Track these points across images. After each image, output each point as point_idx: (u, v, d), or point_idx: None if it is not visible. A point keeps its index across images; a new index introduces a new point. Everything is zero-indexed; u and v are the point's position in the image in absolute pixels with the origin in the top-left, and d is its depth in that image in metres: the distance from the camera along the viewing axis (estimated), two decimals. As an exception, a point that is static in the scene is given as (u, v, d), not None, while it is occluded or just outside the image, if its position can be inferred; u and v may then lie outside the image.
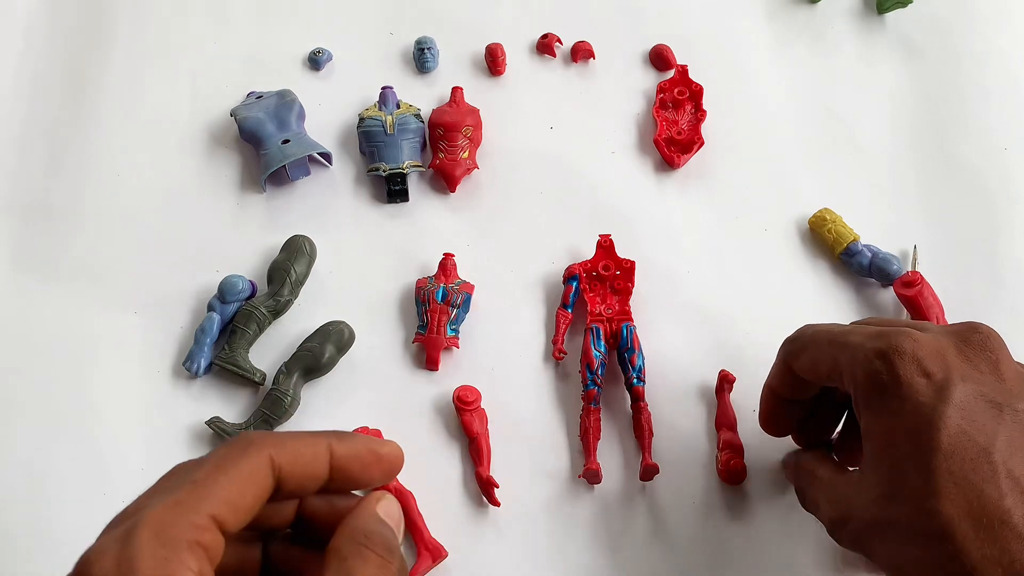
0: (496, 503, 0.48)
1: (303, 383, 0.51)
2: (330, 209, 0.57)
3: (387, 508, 0.32)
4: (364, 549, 0.29)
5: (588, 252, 0.53)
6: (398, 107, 0.58)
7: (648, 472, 0.48)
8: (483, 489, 0.48)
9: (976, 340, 0.37)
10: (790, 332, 0.53)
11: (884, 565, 0.36)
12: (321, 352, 0.51)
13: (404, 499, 0.48)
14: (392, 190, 0.56)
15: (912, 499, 0.34)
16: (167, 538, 0.27)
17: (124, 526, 0.29)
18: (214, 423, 0.49)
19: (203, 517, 0.28)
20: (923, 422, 0.34)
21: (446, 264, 0.53)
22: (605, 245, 0.53)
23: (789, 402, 0.44)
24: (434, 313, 0.52)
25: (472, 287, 0.53)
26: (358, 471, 0.31)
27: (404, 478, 0.49)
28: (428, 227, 0.56)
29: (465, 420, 0.50)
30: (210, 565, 0.27)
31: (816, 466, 0.42)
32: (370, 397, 0.51)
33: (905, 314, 0.52)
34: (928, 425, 0.34)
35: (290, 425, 0.50)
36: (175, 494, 0.28)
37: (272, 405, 0.49)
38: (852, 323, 0.42)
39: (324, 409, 0.51)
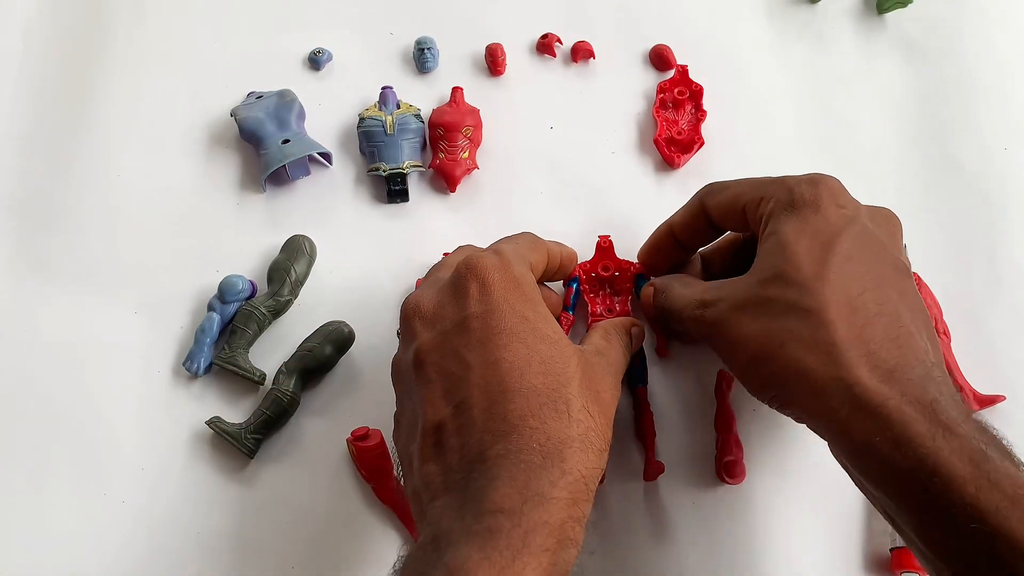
0: None
1: (303, 383, 0.51)
2: (330, 209, 0.57)
3: (637, 331, 0.47)
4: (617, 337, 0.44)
5: (588, 253, 0.53)
6: (398, 107, 0.58)
7: (653, 471, 0.48)
8: None
9: (885, 210, 0.44)
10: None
11: (741, 335, 0.40)
12: (321, 352, 0.51)
13: (404, 500, 0.48)
14: (392, 190, 0.56)
15: (801, 282, 0.38)
16: (520, 255, 0.42)
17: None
18: (214, 423, 0.50)
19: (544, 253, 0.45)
20: (830, 230, 0.40)
21: (602, 245, 0.53)
22: (604, 246, 0.53)
23: (679, 245, 0.49)
24: None
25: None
26: (567, 265, 0.50)
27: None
28: (428, 227, 0.56)
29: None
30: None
31: (690, 279, 0.47)
32: (370, 397, 0.51)
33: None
34: (834, 234, 0.40)
35: (291, 425, 0.50)
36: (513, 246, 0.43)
37: (272, 405, 0.49)
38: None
39: (324, 409, 0.51)
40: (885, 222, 0.43)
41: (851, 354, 0.36)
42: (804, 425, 0.48)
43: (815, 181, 0.42)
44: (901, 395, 0.35)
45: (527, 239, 0.46)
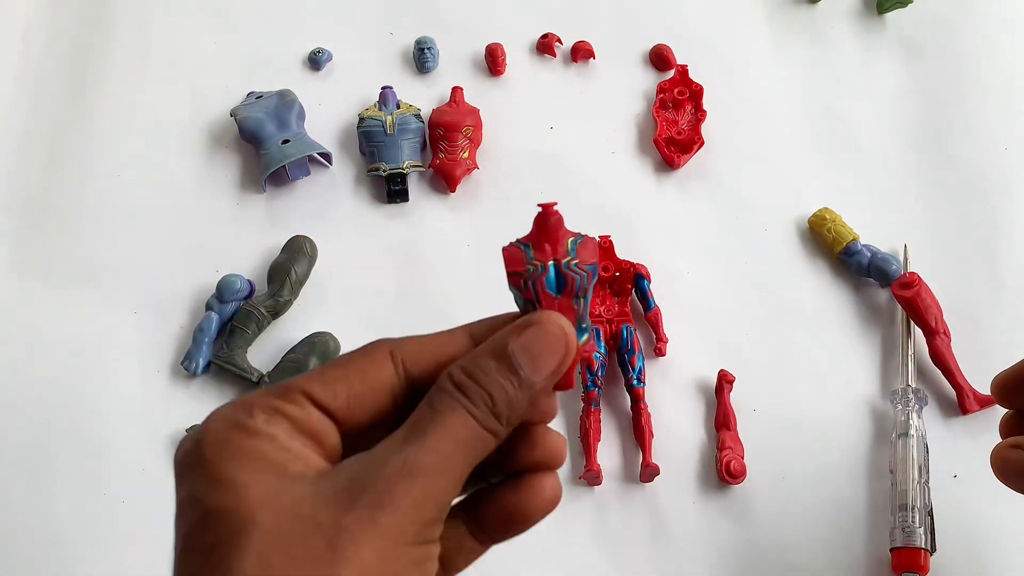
0: None
1: None
2: (330, 209, 0.57)
3: (529, 338, 0.26)
4: (447, 395, 0.25)
5: (588, 252, 0.53)
6: (398, 107, 0.58)
7: (649, 473, 0.48)
8: None
9: None
10: (791, 332, 0.53)
11: None
12: (305, 364, 0.50)
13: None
14: (392, 190, 0.56)
15: None
16: (245, 405, 0.26)
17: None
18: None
19: (294, 394, 0.25)
20: None
21: (547, 222, 0.28)
22: (605, 246, 0.53)
23: None
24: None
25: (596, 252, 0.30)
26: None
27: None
28: (428, 227, 0.56)
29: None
30: (296, 431, 0.25)
31: None
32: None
33: (901, 314, 0.52)
34: None
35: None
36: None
37: None
38: None
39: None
40: None
41: None
42: (804, 425, 0.48)
43: None
44: None
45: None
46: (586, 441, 0.49)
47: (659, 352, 0.51)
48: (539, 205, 0.28)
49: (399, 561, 0.23)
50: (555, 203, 0.28)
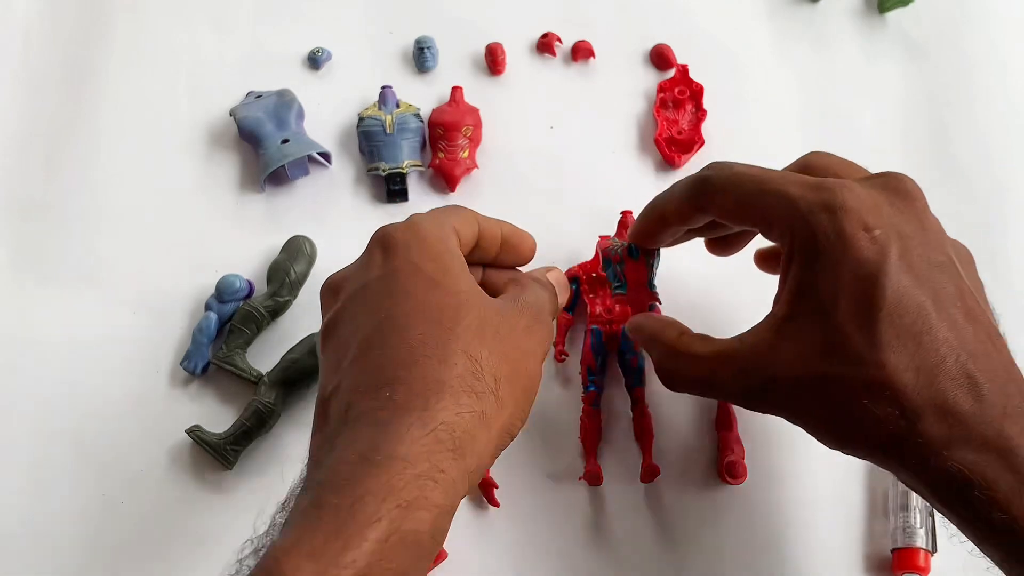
0: (495, 503, 0.48)
1: (285, 394, 0.50)
2: (329, 209, 0.57)
3: (555, 274, 0.45)
4: (531, 280, 0.42)
5: (588, 253, 0.53)
6: (398, 107, 0.58)
7: (649, 474, 0.48)
8: (482, 490, 0.48)
9: (903, 190, 0.38)
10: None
11: (811, 417, 0.37)
12: (304, 363, 0.50)
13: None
14: (392, 190, 0.56)
15: (855, 354, 0.35)
16: (436, 220, 0.39)
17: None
18: (194, 432, 0.49)
19: (461, 219, 0.41)
20: (867, 279, 0.35)
21: (626, 223, 0.52)
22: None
23: (672, 229, 0.45)
24: (630, 272, 0.50)
25: None
26: (516, 244, 0.44)
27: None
28: (428, 227, 0.56)
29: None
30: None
31: (688, 342, 0.41)
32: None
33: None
34: (872, 282, 0.35)
35: (272, 436, 0.50)
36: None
37: (253, 416, 0.49)
38: (767, 169, 0.40)
39: (309, 419, 0.51)
40: (907, 208, 0.38)
41: (926, 422, 0.34)
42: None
43: (832, 208, 0.36)
44: (977, 455, 0.33)
45: (452, 208, 0.42)
46: (586, 442, 0.49)
47: None
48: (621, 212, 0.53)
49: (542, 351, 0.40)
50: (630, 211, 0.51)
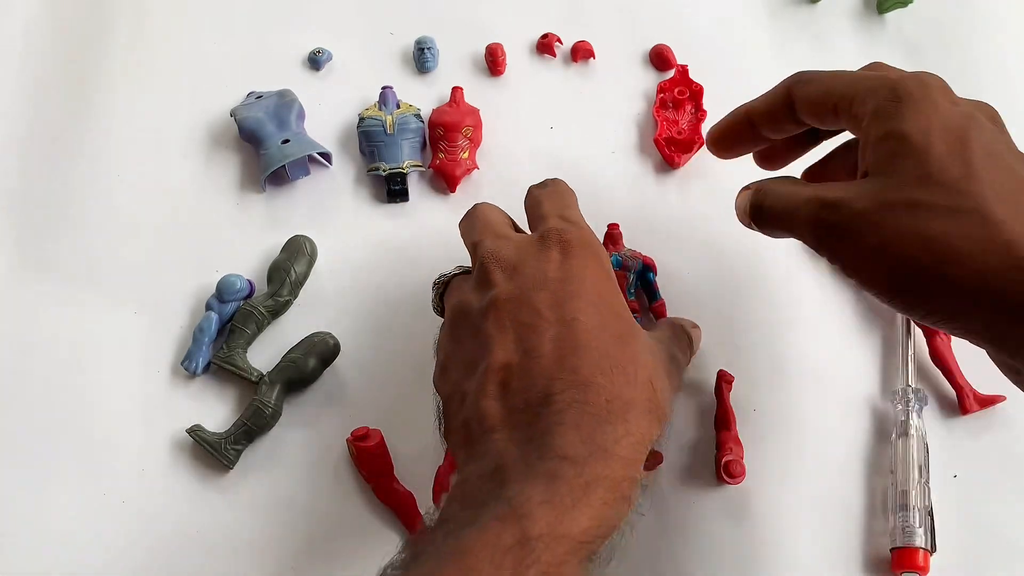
0: (439, 506, 0.48)
1: (285, 394, 0.51)
2: (330, 209, 0.57)
3: (698, 333, 0.48)
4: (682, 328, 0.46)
5: (588, 252, 0.53)
6: (398, 107, 0.58)
7: (653, 462, 0.47)
8: (435, 488, 0.48)
9: (987, 109, 0.40)
10: (791, 332, 0.53)
11: (894, 245, 0.35)
12: (304, 364, 0.50)
13: (404, 500, 0.48)
14: (392, 190, 0.56)
15: (951, 183, 0.34)
16: (589, 229, 0.43)
17: None
18: (194, 432, 0.49)
19: None
20: (959, 129, 0.36)
21: (613, 235, 0.54)
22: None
23: (755, 134, 0.45)
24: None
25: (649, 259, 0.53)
26: None
27: (403, 479, 0.49)
28: (428, 227, 0.56)
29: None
30: None
31: (788, 178, 0.44)
32: (369, 397, 0.51)
33: (900, 316, 0.52)
34: (964, 132, 0.36)
35: (272, 436, 0.50)
36: None
37: (253, 416, 0.49)
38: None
39: (309, 420, 0.51)
40: (990, 116, 0.39)
41: None
42: (804, 425, 0.48)
43: (922, 80, 0.38)
44: None
45: (573, 202, 0.45)
46: None
47: None
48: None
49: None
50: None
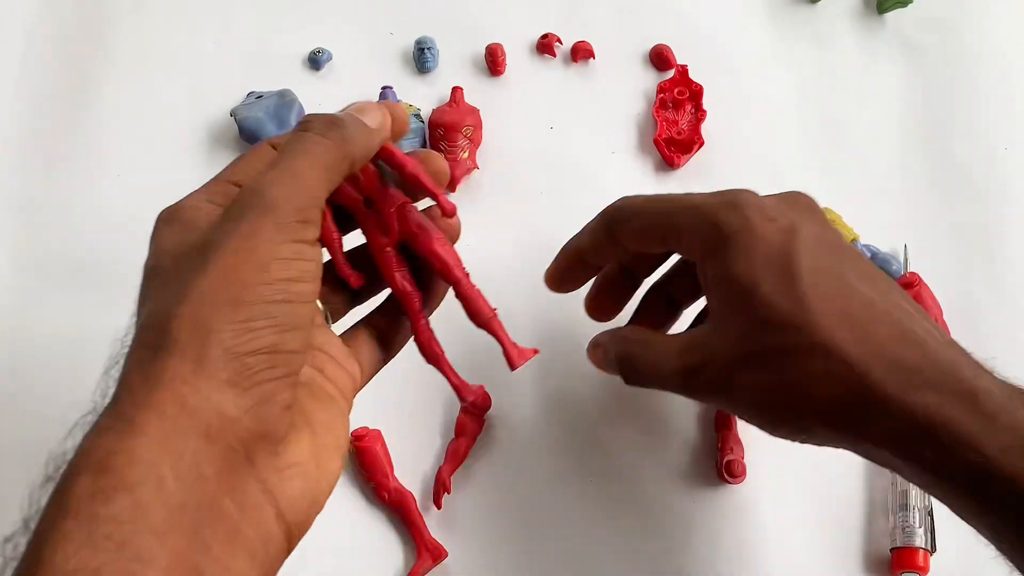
0: (438, 506, 0.48)
1: None
2: (330, 209, 0.57)
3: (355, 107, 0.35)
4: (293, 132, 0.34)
5: (588, 252, 0.53)
6: (398, 107, 0.58)
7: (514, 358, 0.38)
8: (435, 488, 0.48)
9: (801, 200, 0.40)
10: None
11: (754, 394, 0.37)
12: None
13: (404, 500, 0.48)
14: (392, 190, 0.56)
15: (787, 322, 0.35)
16: (190, 194, 0.36)
17: None
18: None
19: (221, 181, 0.37)
20: (781, 256, 0.36)
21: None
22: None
23: (588, 265, 0.45)
24: None
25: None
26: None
27: (403, 479, 0.49)
28: (428, 227, 0.56)
29: (460, 420, 0.49)
30: (226, 199, 0.34)
31: (643, 334, 0.43)
32: (369, 397, 0.51)
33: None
34: (786, 259, 0.36)
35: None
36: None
37: None
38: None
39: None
40: (807, 210, 0.39)
41: (875, 372, 0.34)
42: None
43: (735, 204, 0.38)
44: (938, 396, 0.33)
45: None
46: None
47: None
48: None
49: (262, 256, 0.29)
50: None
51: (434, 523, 0.48)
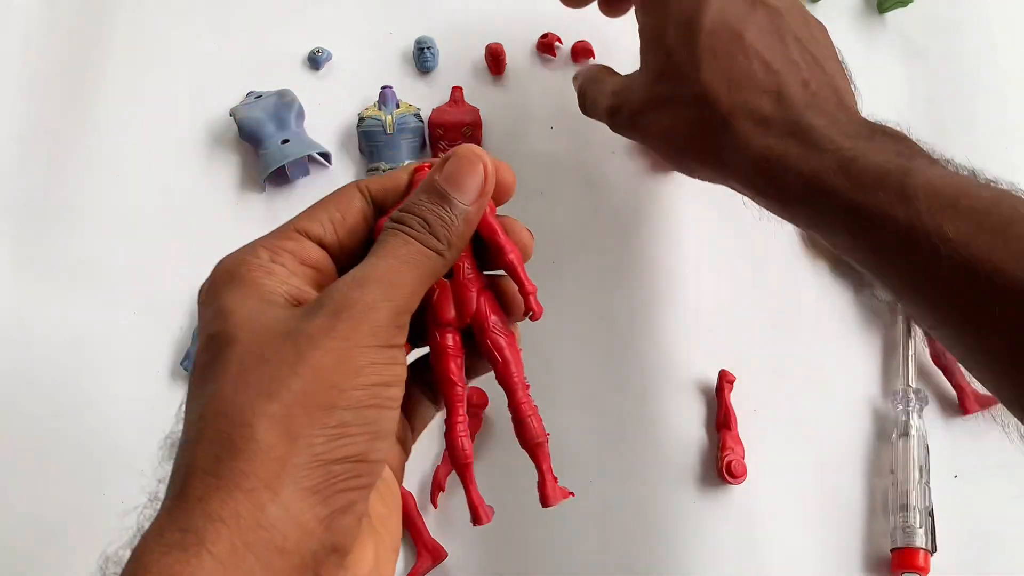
0: (435, 505, 0.48)
1: None
2: (330, 209, 0.57)
3: (451, 166, 0.32)
4: (389, 228, 0.31)
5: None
6: (398, 107, 0.58)
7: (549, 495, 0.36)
8: (433, 489, 0.48)
9: None
10: (791, 332, 0.53)
11: (654, 133, 0.44)
12: None
13: (404, 500, 0.48)
14: (392, 190, 0.56)
15: (679, 73, 0.41)
16: (251, 246, 0.31)
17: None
18: None
19: (289, 231, 0.31)
20: (689, 13, 0.41)
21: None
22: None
23: None
24: None
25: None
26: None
27: (404, 480, 0.48)
28: (428, 227, 0.56)
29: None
30: (298, 264, 0.31)
31: (602, 73, 0.50)
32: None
33: (901, 315, 0.52)
34: (694, 14, 0.41)
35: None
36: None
37: None
38: None
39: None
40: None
41: (738, 122, 0.39)
42: (804, 425, 0.48)
43: None
44: (778, 137, 0.39)
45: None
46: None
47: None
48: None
49: (357, 361, 0.27)
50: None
51: (433, 523, 0.48)
